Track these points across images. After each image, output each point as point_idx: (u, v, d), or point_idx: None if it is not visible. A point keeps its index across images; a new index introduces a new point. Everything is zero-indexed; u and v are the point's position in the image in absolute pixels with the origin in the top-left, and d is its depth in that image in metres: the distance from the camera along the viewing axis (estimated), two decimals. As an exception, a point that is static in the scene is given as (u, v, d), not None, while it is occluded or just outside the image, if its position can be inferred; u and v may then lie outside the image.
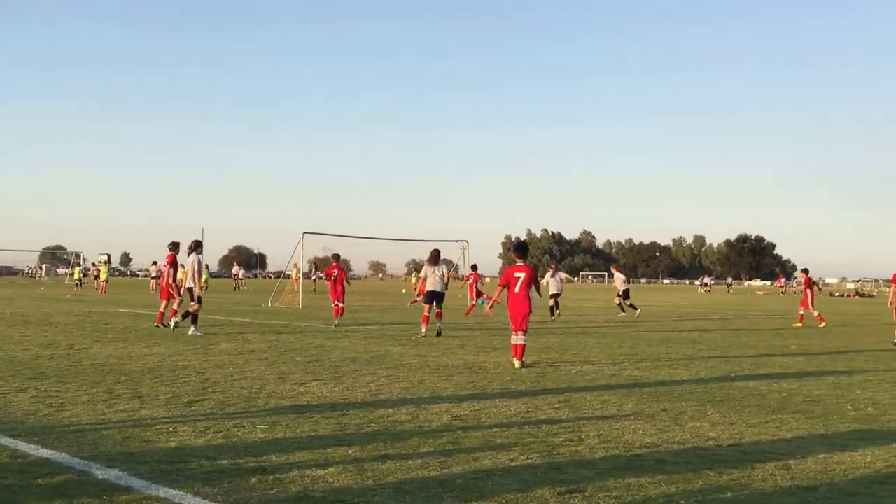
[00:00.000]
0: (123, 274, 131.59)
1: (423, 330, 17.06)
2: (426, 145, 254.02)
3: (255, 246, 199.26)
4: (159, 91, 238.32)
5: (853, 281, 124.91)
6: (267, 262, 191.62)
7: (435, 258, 18.02)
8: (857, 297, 71.22)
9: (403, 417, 7.60)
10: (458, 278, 40.41)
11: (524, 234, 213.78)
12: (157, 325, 18.46)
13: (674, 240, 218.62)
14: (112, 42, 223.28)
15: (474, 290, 29.01)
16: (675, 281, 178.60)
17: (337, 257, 22.52)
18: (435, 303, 17.33)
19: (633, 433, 7.03)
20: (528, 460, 5.96)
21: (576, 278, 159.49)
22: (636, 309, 27.66)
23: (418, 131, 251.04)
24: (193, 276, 17.50)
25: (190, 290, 17.43)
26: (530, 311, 12.08)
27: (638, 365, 12.37)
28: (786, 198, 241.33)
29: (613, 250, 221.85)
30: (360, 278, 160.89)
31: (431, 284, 17.47)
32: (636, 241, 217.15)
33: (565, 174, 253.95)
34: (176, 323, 17.67)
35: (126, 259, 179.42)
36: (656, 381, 10.56)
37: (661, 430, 7.16)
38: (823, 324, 23.32)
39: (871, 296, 76.50)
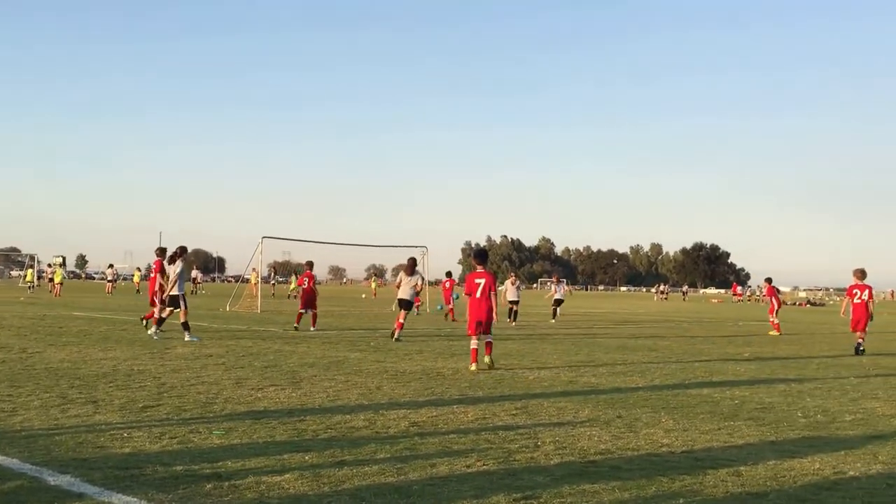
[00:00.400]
0: (79, 276, 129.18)
1: (397, 333, 17.40)
2: (386, 150, 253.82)
3: (214, 249, 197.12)
4: (123, 93, 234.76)
5: (805, 289, 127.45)
6: (226, 265, 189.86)
7: (411, 267, 18.65)
8: (808, 305, 72.70)
9: (361, 423, 7.60)
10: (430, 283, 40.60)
11: (484, 241, 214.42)
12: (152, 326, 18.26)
13: (631, 247, 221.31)
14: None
15: (451, 295, 29.69)
16: (633, 288, 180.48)
17: (311, 264, 22.67)
18: (405, 310, 17.98)
19: (588, 440, 7.11)
20: (485, 466, 6.01)
21: (534, 285, 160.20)
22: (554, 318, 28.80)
23: (378, 135, 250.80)
24: (176, 282, 17.12)
25: (174, 297, 17.04)
26: (490, 318, 12.33)
27: (594, 372, 12.50)
28: (740, 207, 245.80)
29: (572, 257, 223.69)
30: (319, 283, 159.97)
31: (402, 292, 18.18)
32: (594, 249, 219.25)
33: (525, 181, 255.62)
34: (153, 329, 17.18)
35: (82, 261, 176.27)
36: (612, 387, 10.68)
37: (616, 437, 7.26)
38: (776, 333, 23.77)
39: (821, 304, 78.18)
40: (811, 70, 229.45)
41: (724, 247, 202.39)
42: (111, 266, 54.61)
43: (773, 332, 23.91)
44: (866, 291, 17.82)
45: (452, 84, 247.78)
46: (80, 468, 5.64)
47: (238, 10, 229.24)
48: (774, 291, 25.95)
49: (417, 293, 18.53)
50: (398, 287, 18.61)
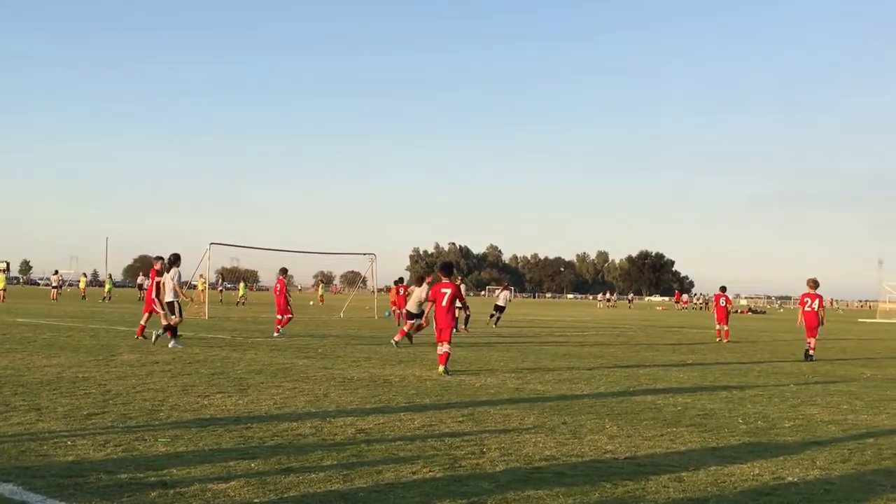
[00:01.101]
0: (20, 282, 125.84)
1: (397, 339, 18.07)
2: (333, 156, 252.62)
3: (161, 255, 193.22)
4: (65, 93, 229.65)
5: (746, 297, 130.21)
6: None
7: (421, 280, 20.10)
8: (749, 313, 74.24)
9: (307, 430, 7.59)
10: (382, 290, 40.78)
11: (432, 248, 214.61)
12: (136, 337, 18.04)
13: (578, 255, 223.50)
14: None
15: (404, 302, 30.05)
16: (579, 296, 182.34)
17: (284, 271, 23.02)
18: (411, 320, 18.75)
19: (533, 446, 7.21)
20: (431, 473, 6.06)
21: (482, 292, 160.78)
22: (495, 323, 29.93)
23: (326, 141, 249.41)
24: (174, 288, 17.02)
25: (170, 303, 16.97)
26: (454, 325, 13.31)
27: (541, 379, 12.64)
28: (684, 216, 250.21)
29: (519, 265, 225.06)
30: (267, 289, 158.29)
31: (411, 304, 19.24)
32: (541, 256, 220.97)
33: (472, 188, 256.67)
34: (157, 336, 16.81)
35: (26, 267, 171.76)
36: (558, 395, 10.83)
37: (561, 444, 7.37)
38: (718, 339, 24.60)
39: (762, 312, 79.99)
40: (755, 79, 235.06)
41: (668, 255, 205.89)
42: (56, 272, 53.35)
43: (720, 339, 24.72)
44: (816, 300, 18.50)
45: (399, 91, 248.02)
46: (23, 476, 5.55)
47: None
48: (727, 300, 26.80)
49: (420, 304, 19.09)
50: (405, 296, 20.76)
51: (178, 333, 16.90)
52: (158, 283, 17.99)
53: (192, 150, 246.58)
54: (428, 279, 19.73)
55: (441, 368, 12.85)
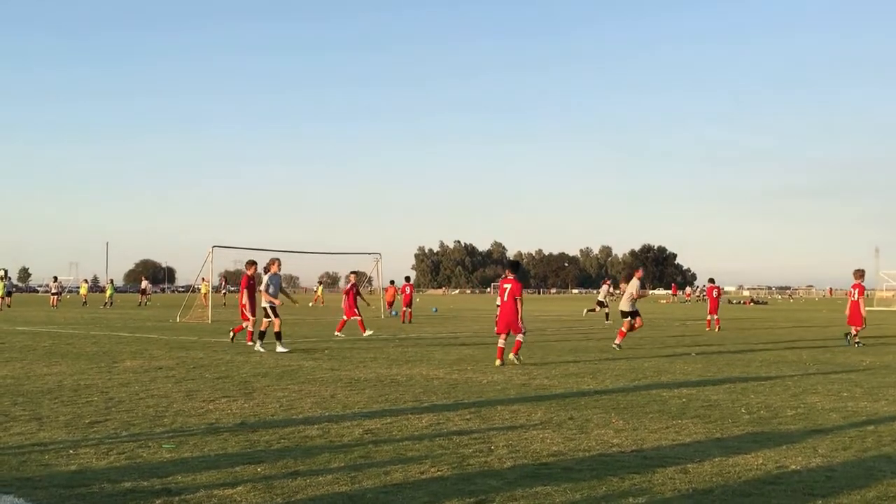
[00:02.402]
0: (22, 290, 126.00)
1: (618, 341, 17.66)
2: (337, 157, 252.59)
3: (163, 260, 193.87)
4: (66, 101, 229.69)
5: (749, 288, 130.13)
6: (176, 276, 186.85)
7: (628, 277, 19.41)
8: (752, 303, 74.21)
9: (314, 433, 7.58)
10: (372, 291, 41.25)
11: (437, 246, 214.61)
12: (238, 341, 18.29)
13: (581, 250, 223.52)
14: None
15: (409, 301, 30.46)
16: (584, 290, 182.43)
17: (356, 274, 23.80)
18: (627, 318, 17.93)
19: (540, 442, 7.19)
20: (439, 472, 6.04)
21: (488, 289, 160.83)
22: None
23: (330, 143, 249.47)
24: (269, 292, 16.85)
25: (268, 307, 16.81)
26: (515, 319, 13.92)
27: (547, 374, 12.63)
28: (686, 209, 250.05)
29: (524, 261, 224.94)
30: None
31: (623, 303, 18.49)
32: (546, 252, 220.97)
33: (477, 186, 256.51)
34: (261, 345, 16.59)
35: (25, 274, 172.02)
36: (564, 389, 10.81)
37: (568, 439, 7.36)
38: (708, 329, 26.04)
39: (764, 303, 79.95)
40: (756, 71, 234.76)
41: (671, 248, 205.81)
42: (56, 279, 53.40)
43: (707, 329, 26.41)
44: (856, 290, 19.36)
45: (401, 89, 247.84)
46: (24, 487, 5.53)
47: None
48: (719, 291, 28.07)
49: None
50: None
51: (263, 337, 16.78)
52: (251, 288, 18.03)
53: (192, 153, 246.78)
54: (638, 274, 18.62)
55: (497, 362, 13.82)
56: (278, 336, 16.67)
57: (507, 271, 14.84)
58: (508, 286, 14.16)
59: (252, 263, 18.79)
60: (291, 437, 7.34)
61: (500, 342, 14.16)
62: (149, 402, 9.46)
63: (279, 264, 17.19)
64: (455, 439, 7.28)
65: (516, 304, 13.99)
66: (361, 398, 9.88)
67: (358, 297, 22.24)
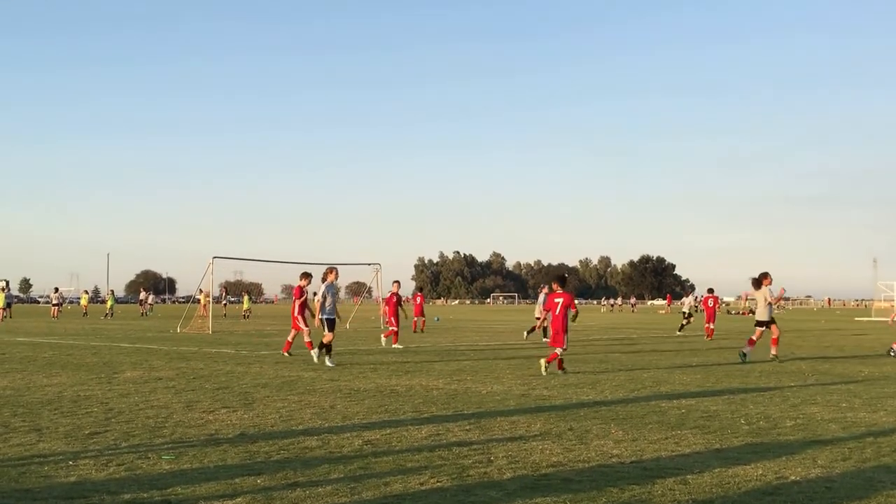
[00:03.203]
0: (23, 301, 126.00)
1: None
2: (337, 168, 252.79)
3: (164, 270, 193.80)
4: (66, 114, 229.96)
5: (749, 299, 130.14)
6: (176, 286, 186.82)
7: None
8: (751, 314, 74.08)
9: (314, 444, 7.58)
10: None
11: (436, 257, 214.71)
12: (282, 353, 17.89)
13: (580, 261, 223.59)
14: None
15: (420, 310, 30.96)
16: (583, 301, 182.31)
17: (398, 283, 23.49)
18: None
19: (540, 453, 7.19)
20: (438, 483, 6.04)
21: (487, 300, 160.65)
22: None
23: (329, 154, 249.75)
24: (325, 304, 16.10)
25: (329, 320, 16.05)
26: (563, 332, 14.28)
27: (546, 384, 12.63)
28: (685, 219, 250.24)
29: (523, 271, 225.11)
30: (271, 301, 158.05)
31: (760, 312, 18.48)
32: (545, 263, 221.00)
33: (476, 197, 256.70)
34: (319, 356, 16.09)
35: (26, 285, 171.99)
36: (564, 400, 10.81)
37: (568, 449, 7.36)
38: (707, 339, 26.75)
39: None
40: (754, 79, 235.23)
41: (670, 259, 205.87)
42: (56, 289, 53.38)
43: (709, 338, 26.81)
44: None
45: (400, 99, 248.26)
46: (23, 499, 5.52)
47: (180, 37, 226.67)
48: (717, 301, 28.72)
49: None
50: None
51: (320, 349, 16.18)
52: (304, 299, 17.84)
53: (194, 164, 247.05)
54: (766, 282, 18.03)
55: (544, 363, 14.18)
56: (322, 346, 16.01)
57: (555, 285, 15.21)
58: (560, 300, 14.56)
59: (306, 275, 18.31)
60: (291, 448, 7.34)
61: (559, 351, 14.45)
62: (148, 412, 9.46)
63: (337, 273, 16.45)
64: (455, 450, 7.28)
65: (566, 318, 14.42)
66: (361, 409, 9.88)
67: (399, 308, 22.14)
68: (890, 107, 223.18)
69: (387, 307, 22.38)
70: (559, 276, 15.72)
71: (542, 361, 14.30)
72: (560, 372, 14.21)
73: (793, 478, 6.27)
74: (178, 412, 9.50)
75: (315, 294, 17.11)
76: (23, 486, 5.91)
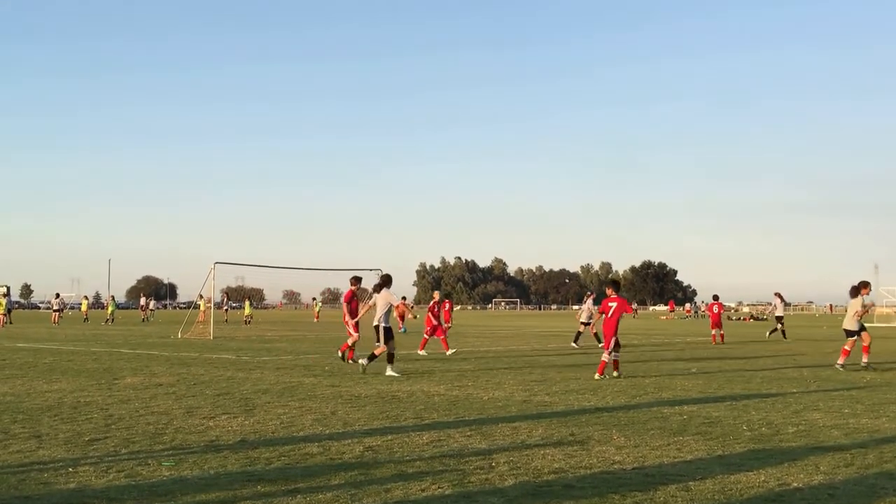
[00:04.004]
0: (23, 307, 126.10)
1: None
2: (338, 174, 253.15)
3: (165, 276, 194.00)
4: (66, 119, 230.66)
5: (748, 305, 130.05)
6: (177, 292, 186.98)
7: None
8: (752, 319, 74.08)
9: (315, 450, 7.55)
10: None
11: (438, 262, 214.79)
12: (346, 360, 17.30)
13: (582, 267, 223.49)
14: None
15: (449, 317, 30.06)
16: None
17: (449, 295, 23.04)
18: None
19: (542, 459, 7.17)
20: (440, 490, 6.02)
21: (489, 305, 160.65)
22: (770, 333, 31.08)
23: (331, 161, 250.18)
24: (385, 313, 15.54)
25: (386, 329, 15.47)
26: (615, 333, 14.54)
27: (548, 390, 12.60)
28: (687, 225, 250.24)
29: (525, 277, 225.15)
30: (274, 307, 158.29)
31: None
32: (546, 269, 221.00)
33: (478, 202, 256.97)
34: (363, 366, 15.40)
35: (27, 290, 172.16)
36: (565, 406, 10.78)
37: (569, 456, 7.33)
38: (714, 344, 26.66)
39: (764, 319, 79.79)
40: (757, 86, 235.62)
41: (671, 265, 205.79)
42: (57, 295, 53.37)
43: (712, 343, 26.98)
44: None
45: (401, 105, 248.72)
46: (25, 505, 5.51)
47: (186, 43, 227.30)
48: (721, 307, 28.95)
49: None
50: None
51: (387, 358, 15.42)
52: (355, 305, 17.58)
53: (195, 169, 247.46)
54: (865, 291, 17.37)
55: (597, 376, 14.36)
56: (373, 357, 15.41)
57: (609, 289, 15.35)
58: (614, 304, 14.76)
59: (357, 279, 17.95)
60: (292, 455, 7.32)
61: (604, 357, 14.64)
62: (149, 419, 9.44)
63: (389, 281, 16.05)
64: (456, 456, 7.26)
65: (618, 323, 14.68)
66: (362, 415, 9.86)
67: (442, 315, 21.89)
68: (890, 114, 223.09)
69: (430, 314, 22.17)
70: (613, 280, 16.06)
71: (596, 375, 14.46)
72: (615, 375, 14.58)
73: (795, 484, 6.24)
74: (178, 418, 9.48)
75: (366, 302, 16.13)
76: (22, 493, 5.89)
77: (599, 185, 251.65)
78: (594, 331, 20.76)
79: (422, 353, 20.87)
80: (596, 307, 28.01)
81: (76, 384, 13.20)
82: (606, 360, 14.62)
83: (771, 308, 33.21)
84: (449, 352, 20.71)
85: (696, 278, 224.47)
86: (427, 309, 22.94)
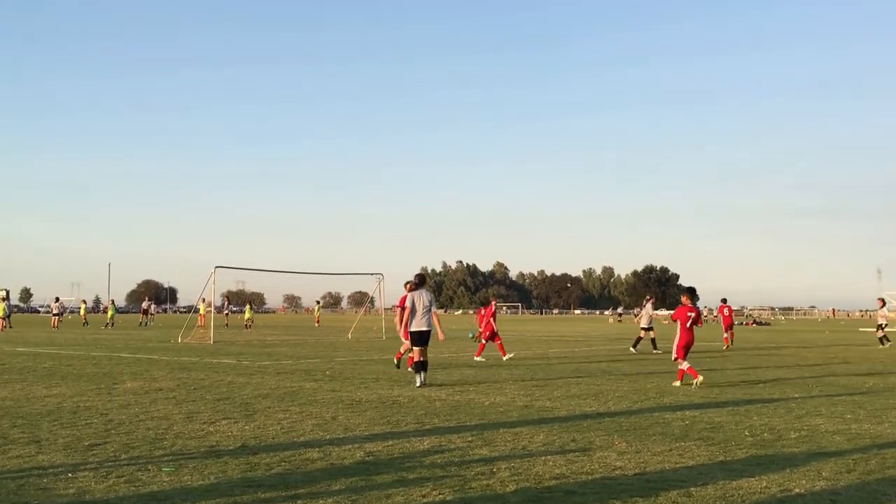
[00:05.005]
0: (23, 310, 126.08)
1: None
2: (338, 178, 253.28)
3: (166, 280, 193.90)
4: (70, 123, 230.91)
5: (751, 309, 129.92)
6: (178, 296, 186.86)
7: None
8: (754, 324, 73.99)
9: (315, 455, 7.53)
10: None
11: (439, 266, 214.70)
12: (401, 366, 16.91)
13: (584, 271, 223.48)
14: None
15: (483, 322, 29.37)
16: (586, 311, 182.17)
17: (488, 299, 23.18)
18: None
19: (543, 465, 7.14)
20: (440, 496, 5.99)
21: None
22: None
23: (330, 163, 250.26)
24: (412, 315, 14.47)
25: (416, 332, 14.38)
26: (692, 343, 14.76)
27: (550, 396, 12.57)
28: (689, 230, 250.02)
29: (526, 281, 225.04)
30: (275, 311, 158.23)
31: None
32: (548, 273, 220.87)
33: (479, 207, 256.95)
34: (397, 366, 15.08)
35: (26, 294, 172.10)
36: (567, 411, 10.75)
37: (571, 461, 7.30)
38: (726, 346, 27.36)
39: (766, 323, 79.67)
40: (758, 91, 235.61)
41: (673, 269, 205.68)
42: (57, 299, 53.34)
43: (724, 346, 27.53)
44: None
45: (406, 113, 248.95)
46: (24, 511, 5.48)
47: (188, 44, 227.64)
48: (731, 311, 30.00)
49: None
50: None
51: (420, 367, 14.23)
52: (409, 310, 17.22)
53: (195, 173, 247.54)
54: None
55: (677, 383, 14.45)
56: (421, 366, 14.31)
57: (685, 298, 15.38)
58: (692, 314, 14.94)
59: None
60: (292, 460, 7.30)
61: (682, 365, 14.58)
62: (149, 424, 9.41)
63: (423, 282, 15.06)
64: (457, 462, 7.23)
65: (693, 332, 14.85)
66: (363, 420, 9.83)
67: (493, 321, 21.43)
68: (894, 118, 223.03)
69: (480, 320, 21.94)
70: (690, 288, 15.99)
71: (676, 382, 14.47)
72: (679, 384, 14.47)
73: (797, 490, 6.22)
74: (178, 423, 9.45)
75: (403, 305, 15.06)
76: (21, 498, 5.87)
77: (602, 190, 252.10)
78: (653, 335, 21.69)
79: (478, 359, 20.51)
80: (654, 311, 28.34)
81: (76, 389, 13.18)
82: (684, 368, 14.55)
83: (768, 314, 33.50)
84: (506, 357, 20.58)
85: (698, 283, 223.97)
86: (486, 314, 22.33)
